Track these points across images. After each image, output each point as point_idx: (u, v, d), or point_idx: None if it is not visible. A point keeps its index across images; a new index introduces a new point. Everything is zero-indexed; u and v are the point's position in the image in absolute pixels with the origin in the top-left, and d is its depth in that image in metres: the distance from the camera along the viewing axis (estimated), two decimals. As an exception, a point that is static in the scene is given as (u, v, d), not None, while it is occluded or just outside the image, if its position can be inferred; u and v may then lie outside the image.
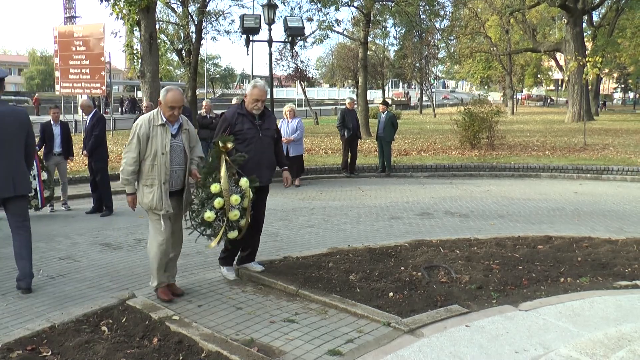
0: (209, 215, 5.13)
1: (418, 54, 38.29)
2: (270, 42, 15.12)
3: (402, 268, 6.01)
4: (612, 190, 12.80)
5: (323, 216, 9.60)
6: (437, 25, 33.64)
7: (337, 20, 29.72)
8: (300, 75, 38.82)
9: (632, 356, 3.39)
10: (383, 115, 14.96)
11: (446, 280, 5.68)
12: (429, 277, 5.71)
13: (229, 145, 5.30)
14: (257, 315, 4.95)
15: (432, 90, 45.80)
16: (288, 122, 12.42)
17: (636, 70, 53.82)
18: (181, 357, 4.07)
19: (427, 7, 28.49)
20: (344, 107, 15.48)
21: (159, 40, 22.23)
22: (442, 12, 31.93)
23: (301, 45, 32.74)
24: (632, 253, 6.82)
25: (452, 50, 39.39)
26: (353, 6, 27.29)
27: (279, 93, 69.33)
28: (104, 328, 4.61)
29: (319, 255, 6.54)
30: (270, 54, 15.28)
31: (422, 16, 31.88)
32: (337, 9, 27.16)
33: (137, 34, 19.02)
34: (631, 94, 76.98)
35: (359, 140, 15.47)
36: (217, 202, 5.13)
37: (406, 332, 4.36)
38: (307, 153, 17.09)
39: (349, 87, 59.31)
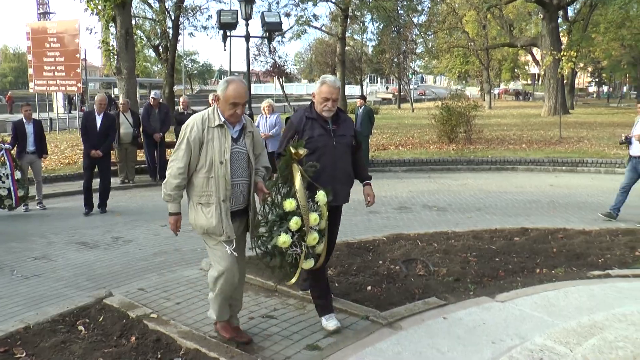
0: (284, 239, 3.94)
1: (396, 49, 38.38)
2: (247, 37, 15.01)
3: (380, 262, 6.04)
4: (586, 182, 12.99)
5: (302, 211, 9.58)
6: (414, 20, 33.83)
7: (315, 16, 29.87)
8: (278, 71, 38.73)
9: (603, 343, 3.45)
10: (360, 110, 14.99)
11: (424, 273, 5.72)
12: (407, 270, 5.75)
13: (301, 152, 4.20)
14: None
15: (417, 85, 46.07)
16: (266, 117, 12.36)
17: (609, 65, 54.73)
18: (159, 355, 4.05)
19: (405, 3, 28.61)
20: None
21: (135, 37, 22.03)
22: (419, 8, 32.10)
23: (279, 41, 32.72)
24: (605, 243, 6.95)
25: (429, 46, 39.61)
26: (331, 1, 27.32)
27: (257, 89, 69.07)
28: (81, 327, 4.55)
29: (298, 251, 6.52)
30: (248, 50, 15.17)
31: (400, 11, 31.98)
32: (314, 4, 27.22)
33: (112, 30, 18.85)
34: (605, 88, 78.18)
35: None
36: (294, 222, 3.96)
37: (384, 325, 4.39)
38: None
39: (327, 83, 59.27)
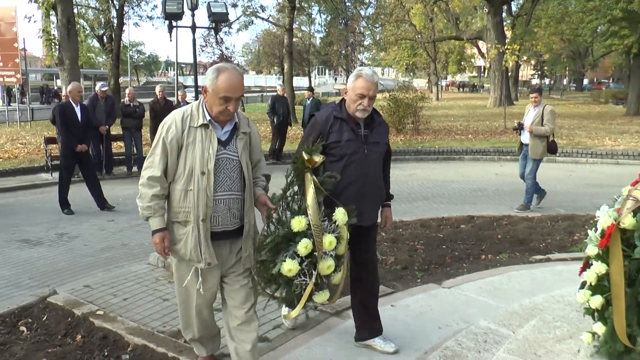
0: (289, 266, 3.20)
1: (344, 41, 38.55)
2: (193, 28, 14.73)
3: (330, 252, 6.08)
4: (529, 170, 13.38)
5: (252, 204, 9.55)
6: (362, 12, 33.98)
7: (261, 7, 29.65)
8: (226, 62, 38.27)
9: (542, 323, 3.61)
10: (309, 102, 15.01)
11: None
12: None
13: (317, 158, 3.46)
14: (184, 306, 4.89)
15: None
16: (214, 110, 12.33)
17: (551, 58, 56.40)
18: (106, 353, 3.98)
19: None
20: (275, 94, 15.46)
21: (77, 26, 21.39)
22: (367, 0, 32.24)
23: (226, 32, 32.34)
24: (547, 229, 7.21)
25: (377, 38, 39.90)
26: (278, -8, 27.15)
27: (204, 80, 68.07)
28: (23, 328, 4.41)
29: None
30: (194, 41, 14.88)
31: (347, 3, 32.08)
32: (262, -5, 26.97)
33: (53, 18, 18.25)
34: (547, 80, 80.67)
35: (289, 127, 15.54)
36: (304, 245, 3.20)
37: (333, 315, 4.45)
38: (235, 141, 16.92)
39: (276, 74, 59.13)
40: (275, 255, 3.29)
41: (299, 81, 54.74)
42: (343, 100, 3.96)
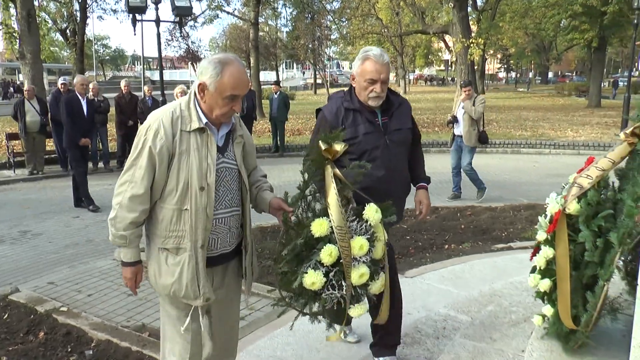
0: (312, 279, 2.66)
1: (311, 35, 38.49)
2: (157, 22, 14.61)
3: (295, 245, 6.13)
4: (494, 162, 13.63)
5: (218, 198, 9.55)
6: (328, 7, 34.00)
7: (226, 0, 29.37)
8: (192, 57, 37.98)
9: (499, 309, 3.72)
10: (276, 96, 15.00)
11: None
12: (321, 252, 5.86)
13: (337, 147, 2.89)
14: (149, 300, 4.92)
15: (340, 72, 46.11)
16: (180, 104, 12.24)
17: (516, 52, 57.25)
18: (69, 349, 3.98)
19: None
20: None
21: (39, 19, 20.99)
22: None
23: (191, 26, 32.09)
24: (508, 218, 7.38)
25: (344, 32, 39.96)
26: (243, -14, 27.02)
27: (172, 75, 67.35)
28: (-17, 327, 4.37)
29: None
30: (159, 35, 14.76)
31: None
32: (226, -11, 26.82)
33: (13, 11, 17.87)
34: (513, 74, 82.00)
35: (255, 121, 15.53)
36: (327, 253, 2.65)
37: (296, 306, 4.49)
38: (201, 135, 16.88)
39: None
40: (298, 266, 2.75)
41: (267, 75, 54.63)
42: (352, 87, 3.43)
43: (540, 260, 2.57)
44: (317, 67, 43.97)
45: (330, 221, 2.71)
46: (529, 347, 2.59)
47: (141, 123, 12.88)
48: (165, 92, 14.95)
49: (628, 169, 2.49)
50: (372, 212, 2.80)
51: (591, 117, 24.17)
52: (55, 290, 5.20)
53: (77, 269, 5.83)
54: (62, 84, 12.59)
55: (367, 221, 2.81)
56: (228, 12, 31.49)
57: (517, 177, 10.57)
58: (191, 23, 30.52)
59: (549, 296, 2.57)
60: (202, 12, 30.16)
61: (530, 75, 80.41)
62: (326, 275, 2.68)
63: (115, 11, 32.18)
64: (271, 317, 4.33)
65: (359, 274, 2.71)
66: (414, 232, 6.72)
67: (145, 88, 13.69)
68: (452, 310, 3.98)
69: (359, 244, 2.71)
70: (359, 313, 2.82)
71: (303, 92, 54.69)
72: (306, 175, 2.86)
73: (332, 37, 41.91)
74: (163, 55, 14.96)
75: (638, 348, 2.22)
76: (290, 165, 13.36)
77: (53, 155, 12.98)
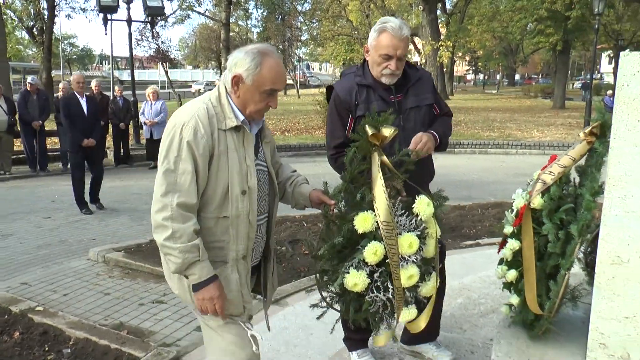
0: (354, 280, 2.39)
1: (281, 36, 38.57)
2: (129, 21, 14.59)
3: (268, 243, 6.22)
4: (462, 162, 13.91)
5: (190, 199, 9.57)
6: (299, 8, 34.13)
7: (198, 1, 29.29)
8: (162, 57, 37.70)
9: (468, 301, 3.88)
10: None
11: (309, 252, 5.98)
12: (293, 250, 5.98)
13: (387, 132, 2.54)
14: (125, 299, 4.96)
15: (310, 74, 46.12)
16: (152, 104, 12.19)
17: (484, 54, 58.20)
18: (47, 348, 3.99)
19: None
20: (211, 88, 15.39)
21: (5, 17, 20.61)
22: (303, -4, 32.40)
23: (162, 26, 31.89)
24: (477, 216, 7.59)
25: (314, 33, 40.14)
26: (214, -14, 26.96)
27: (141, 75, 66.72)
28: (-44, 328, 4.33)
29: (186, 237, 6.57)
30: (130, 34, 14.75)
31: (284, -1, 32.19)
32: (197, -11, 26.73)
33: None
34: (481, 76, 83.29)
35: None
36: (372, 251, 2.37)
37: (272, 303, 4.57)
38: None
39: (213, 69, 58.56)
40: (339, 264, 2.49)
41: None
42: (365, 61, 3.15)
43: (507, 253, 2.70)
44: (287, 68, 44.10)
45: (375, 215, 2.41)
46: (497, 335, 2.73)
47: (112, 124, 12.69)
48: (136, 92, 14.91)
49: (587, 166, 2.65)
50: (423, 206, 2.50)
51: (556, 118, 24.78)
52: (30, 290, 5.19)
53: (51, 269, 5.82)
54: (29, 83, 12.38)
55: (417, 216, 2.51)
56: (199, 13, 31.48)
57: (485, 177, 10.85)
58: (161, 23, 30.29)
59: (515, 286, 2.71)
60: (173, 12, 30.05)
61: (498, 77, 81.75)
62: (370, 275, 2.41)
63: (84, 10, 31.85)
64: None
65: (407, 275, 2.43)
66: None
67: (116, 88, 13.59)
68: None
69: (408, 242, 2.42)
70: (408, 318, 2.55)
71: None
72: (351, 165, 2.56)
73: (303, 38, 42.09)
74: (133, 54, 14.86)
75: (595, 332, 2.39)
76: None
77: (21, 156, 12.79)
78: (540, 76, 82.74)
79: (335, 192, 2.57)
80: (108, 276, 5.53)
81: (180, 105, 27.70)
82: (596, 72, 37.29)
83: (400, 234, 2.42)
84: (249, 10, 36.73)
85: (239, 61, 2.32)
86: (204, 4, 56.66)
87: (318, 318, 2.66)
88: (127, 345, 3.97)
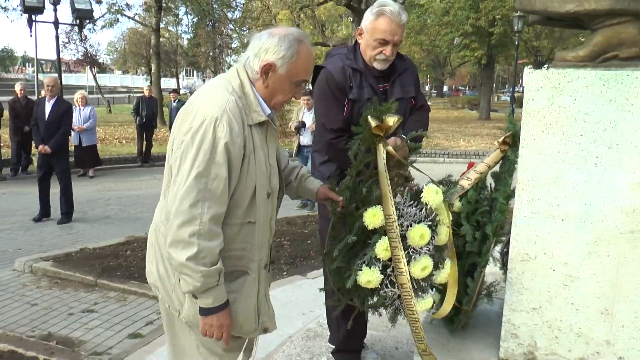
0: (367, 277, 2.37)
1: (212, 43, 38.30)
2: (56, 23, 14.15)
3: (201, 250, 6.24)
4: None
5: (119, 206, 9.43)
6: (229, 15, 34.01)
7: (127, 5, 28.78)
8: (90, 61, 36.72)
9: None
10: (174, 104, 14.88)
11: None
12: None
13: (391, 121, 2.48)
14: (54, 309, 4.87)
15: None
16: (80, 109, 11.89)
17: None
18: (-31, 361, 3.90)
19: (219, -2, 28.71)
20: (141, 94, 15.14)
21: None
22: (233, 4, 32.27)
23: (90, 29, 31.04)
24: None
25: (245, 41, 40.07)
26: (144, -9, 26.58)
27: (68, 79, 64.59)
28: None
29: (117, 245, 6.52)
30: (57, 37, 14.31)
31: (214, 5, 31.98)
32: (127, -7, 26.28)
33: None
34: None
35: (155, 129, 15.32)
36: (382, 247, 2.36)
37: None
38: (101, 143, 16.44)
39: (143, 75, 57.42)
40: (351, 261, 2.46)
41: (167, 82, 53.58)
42: (357, 43, 2.98)
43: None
44: (218, 74, 43.79)
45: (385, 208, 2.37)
46: (420, 332, 2.92)
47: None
48: (64, 97, 14.45)
49: (501, 172, 2.88)
50: (431, 194, 2.44)
51: (482, 128, 25.77)
52: (-51, 302, 5.02)
53: (-27, 280, 5.64)
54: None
55: (426, 204, 2.45)
56: (129, 17, 30.85)
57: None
58: (90, 26, 29.48)
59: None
60: (102, 15, 29.30)
61: (427, 88, 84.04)
62: (384, 270, 2.39)
63: (5, 9, 30.37)
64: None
65: (421, 267, 2.38)
66: (313, 236, 7.01)
67: (42, 92, 13.15)
68: (351, 305, 4.30)
69: (419, 233, 2.36)
70: (425, 307, 2.50)
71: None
72: (356, 158, 2.49)
73: (233, 45, 41.94)
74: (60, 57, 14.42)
75: (507, 323, 2.61)
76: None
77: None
78: (467, 88, 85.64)
79: (342, 188, 2.51)
80: (35, 287, 5.40)
81: (110, 111, 26.57)
82: (519, 85, 39.05)
83: (410, 226, 2.38)
84: (179, 17, 36.23)
85: (272, 47, 2.07)
86: (134, 8, 55.66)
87: (335, 315, 2.68)
88: (56, 355, 3.93)
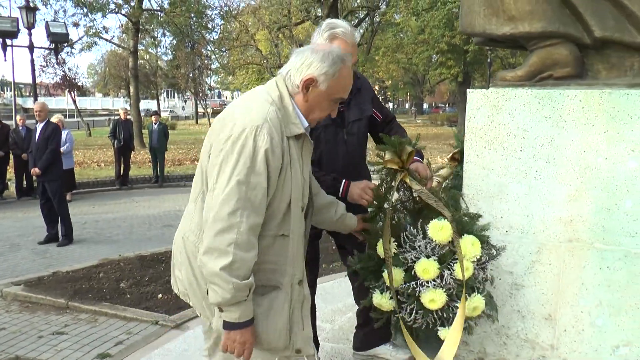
0: (378, 300, 2.57)
1: (191, 64, 38.44)
2: (31, 47, 14.22)
3: (173, 271, 6.26)
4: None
5: (95, 229, 9.41)
6: (207, 36, 34.20)
7: (104, 28, 28.85)
8: (69, 84, 36.55)
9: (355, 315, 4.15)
10: (155, 126, 14.90)
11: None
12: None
13: (406, 153, 2.58)
14: (23, 332, 4.86)
15: (223, 103, 45.67)
16: (55, 134, 11.89)
17: (392, 84, 60.48)
18: None
19: (197, 20, 28.87)
20: (117, 117, 15.17)
21: None
22: (210, 25, 32.45)
23: (68, 52, 31.01)
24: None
25: (225, 62, 40.26)
26: (121, 13, 26.65)
27: (48, 103, 64.15)
28: None
29: (90, 267, 6.52)
30: (33, 61, 14.36)
31: (192, 27, 32.15)
32: (104, 16, 26.33)
33: None
34: (390, 104, 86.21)
35: (133, 152, 15.32)
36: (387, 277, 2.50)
37: (173, 328, 4.68)
38: (79, 166, 16.40)
39: (123, 97, 57.34)
40: (374, 284, 2.62)
41: (148, 104, 53.53)
42: None
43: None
44: (199, 96, 43.81)
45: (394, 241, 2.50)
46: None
47: (14, 154, 12.15)
48: (28, 121, 14.41)
49: (451, 188, 3.02)
50: (435, 231, 2.45)
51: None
52: None
53: None
54: None
55: (433, 241, 2.47)
56: (106, 40, 30.86)
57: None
58: (68, 49, 29.45)
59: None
60: (80, 39, 29.30)
61: (407, 106, 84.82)
62: (389, 297, 2.53)
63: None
64: (149, 339, 4.48)
65: (428, 300, 2.43)
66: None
67: (18, 117, 13.11)
68: (318, 320, 4.35)
69: (421, 268, 2.42)
70: (446, 335, 2.51)
71: (184, 122, 54.13)
72: (383, 187, 2.64)
73: (213, 66, 42.09)
74: (37, 82, 14.46)
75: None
76: (170, 196, 13.37)
77: None
78: (447, 105, 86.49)
79: (372, 215, 2.68)
80: (5, 311, 5.39)
81: (90, 134, 26.33)
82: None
83: (418, 259, 2.46)
84: (158, 38, 36.32)
85: (314, 62, 2.06)
86: (112, 31, 55.72)
87: (376, 326, 2.71)
88: (23, 377, 3.93)
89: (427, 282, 2.43)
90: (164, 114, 36.24)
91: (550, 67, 2.61)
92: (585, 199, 2.52)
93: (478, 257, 2.46)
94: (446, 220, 2.43)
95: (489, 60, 21.59)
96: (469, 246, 2.44)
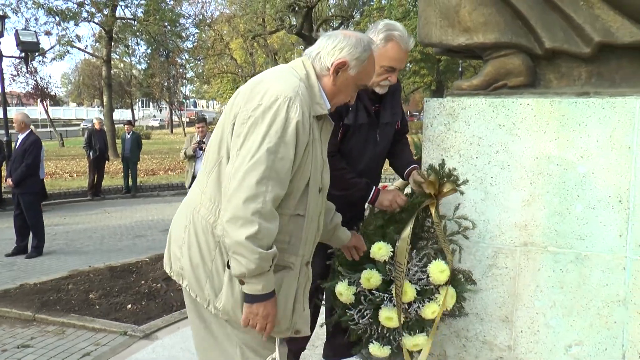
0: (341, 289, 2.60)
1: (166, 74, 38.23)
2: (0, 56, 14.02)
3: (143, 282, 6.24)
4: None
5: (65, 241, 9.31)
6: (182, 45, 34.06)
7: (77, 36, 28.57)
8: (41, 93, 36.06)
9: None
10: (128, 136, 14.79)
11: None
12: (167, 286, 6.02)
13: (450, 187, 2.64)
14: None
15: (201, 111, 45.21)
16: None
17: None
18: None
19: (170, 28, 28.73)
20: (91, 126, 15.01)
21: None
22: (184, 34, 32.30)
23: (40, 61, 30.59)
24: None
25: (200, 71, 40.12)
26: (94, 22, 26.43)
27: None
28: None
29: (58, 279, 6.45)
30: (1, 70, 14.15)
31: (167, 35, 32.00)
32: (76, 24, 26.07)
33: None
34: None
35: (107, 162, 15.19)
36: (366, 275, 2.56)
37: (142, 338, 4.66)
38: (50, 177, 16.22)
39: (98, 107, 56.76)
40: (353, 273, 2.64)
41: (123, 114, 53.04)
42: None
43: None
44: (173, 106, 43.55)
45: (392, 251, 2.55)
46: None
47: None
48: (10, 131, 14.23)
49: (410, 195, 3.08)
50: (436, 271, 2.52)
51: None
52: None
53: None
54: None
55: (428, 276, 2.54)
56: (79, 49, 30.52)
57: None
58: (39, 58, 29.05)
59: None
60: (52, 47, 28.91)
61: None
62: (362, 296, 2.56)
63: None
64: (117, 350, 4.46)
65: (384, 316, 2.51)
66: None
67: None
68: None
69: (408, 293, 2.51)
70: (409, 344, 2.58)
71: (159, 131, 53.75)
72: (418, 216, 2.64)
73: (188, 75, 41.92)
74: (8, 91, 14.26)
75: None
76: (143, 206, 13.29)
77: None
78: (420, 113, 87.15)
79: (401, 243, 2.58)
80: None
81: (63, 144, 25.90)
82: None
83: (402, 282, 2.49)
84: (132, 47, 36.08)
85: (347, 47, 2.06)
86: (84, 40, 55.18)
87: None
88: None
89: (405, 304, 2.52)
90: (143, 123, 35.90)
91: (505, 77, 2.69)
92: (539, 203, 2.60)
93: (449, 308, 2.58)
94: (447, 264, 2.51)
95: (460, 69, 21.83)
96: (449, 298, 2.55)
